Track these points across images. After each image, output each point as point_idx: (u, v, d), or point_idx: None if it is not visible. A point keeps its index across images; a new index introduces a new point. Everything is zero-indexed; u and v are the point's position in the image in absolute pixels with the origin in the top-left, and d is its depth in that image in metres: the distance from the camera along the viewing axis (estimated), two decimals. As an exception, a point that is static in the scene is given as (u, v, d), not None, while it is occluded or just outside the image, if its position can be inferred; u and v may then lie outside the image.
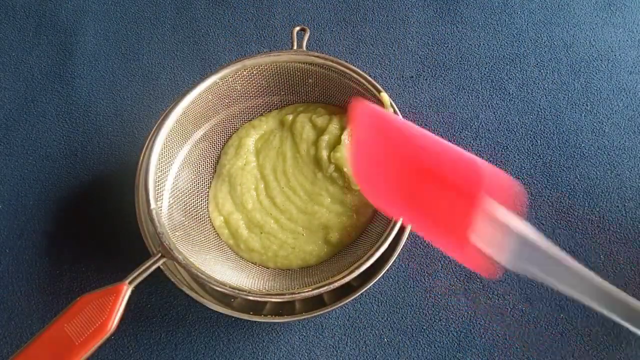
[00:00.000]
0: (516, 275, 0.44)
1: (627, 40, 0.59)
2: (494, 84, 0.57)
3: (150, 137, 0.44)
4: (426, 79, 0.58)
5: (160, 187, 0.42)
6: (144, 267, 0.37)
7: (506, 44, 0.59)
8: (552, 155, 0.54)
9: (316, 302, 0.42)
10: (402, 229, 0.40)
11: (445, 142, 0.22)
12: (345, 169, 0.43)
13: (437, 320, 0.47)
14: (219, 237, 0.45)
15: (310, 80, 0.47)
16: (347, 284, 0.38)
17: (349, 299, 0.41)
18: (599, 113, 0.56)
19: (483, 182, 0.18)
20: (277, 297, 0.38)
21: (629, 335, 0.45)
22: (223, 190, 0.46)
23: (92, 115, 0.56)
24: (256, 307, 0.43)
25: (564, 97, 0.57)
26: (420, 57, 0.59)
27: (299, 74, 0.47)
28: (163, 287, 0.44)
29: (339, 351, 0.46)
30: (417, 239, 0.50)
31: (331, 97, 0.48)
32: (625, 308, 0.17)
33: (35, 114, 0.56)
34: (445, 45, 0.59)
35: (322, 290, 0.38)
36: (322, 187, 0.45)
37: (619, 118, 0.55)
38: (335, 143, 0.44)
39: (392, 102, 0.43)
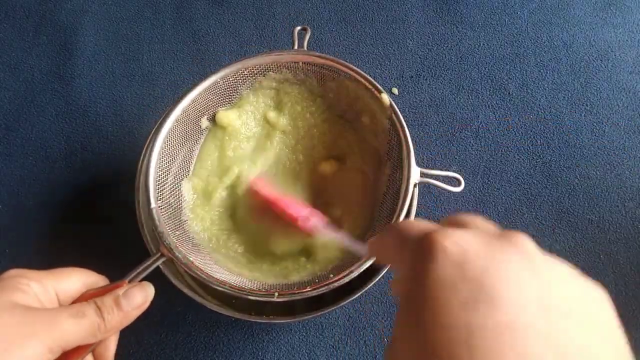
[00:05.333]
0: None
1: (627, 40, 0.59)
2: (494, 84, 0.57)
3: (150, 136, 0.44)
4: (426, 79, 0.58)
5: (161, 186, 0.42)
6: (143, 266, 0.37)
7: (506, 44, 0.59)
8: (552, 155, 0.54)
9: (316, 302, 0.42)
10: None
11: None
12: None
13: (437, 320, 0.47)
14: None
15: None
16: (347, 283, 0.38)
17: (349, 299, 0.41)
18: (599, 113, 0.56)
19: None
20: (278, 296, 0.38)
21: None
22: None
23: (92, 115, 0.56)
24: (256, 307, 0.43)
25: (564, 97, 0.57)
26: (420, 57, 0.59)
27: (300, 74, 0.47)
28: (163, 287, 0.44)
29: (339, 351, 0.46)
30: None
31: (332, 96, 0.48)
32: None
33: (35, 114, 0.56)
34: (445, 45, 0.59)
35: (322, 290, 0.38)
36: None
37: (619, 118, 0.55)
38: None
39: (392, 102, 0.43)
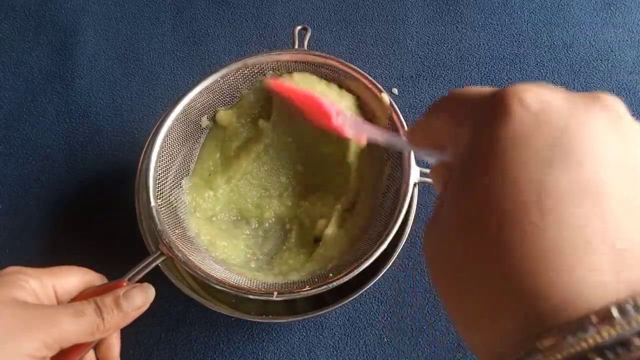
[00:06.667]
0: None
1: (627, 40, 0.59)
2: (494, 84, 0.57)
3: (151, 135, 0.44)
4: (426, 79, 0.58)
5: (161, 185, 0.42)
6: (143, 265, 0.37)
7: (506, 44, 0.59)
8: (552, 155, 0.54)
9: (316, 302, 0.42)
10: (402, 229, 0.40)
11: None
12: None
13: (437, 320, 0.47)
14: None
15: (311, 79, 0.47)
16: (347, 283, 0.38)
17: (349, 299, 0.41)
18: (599, 113, 0.56)
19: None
20: (277, 296, 0.38)
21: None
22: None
23: (92, 115, 0.56)
24: (256, 307, 0.43)
25: (564, 97, 0.57)
26: (420, 57, 0.59)
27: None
28: (163, 287, 0.44)
29: (339, 351, 0.46)
30: (417, 239, 0.50)
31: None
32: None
33: (35, 114, 0.56)
34: (445, 45, 0.59)
35: (321, 289, 0.38)
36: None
37: (619, 118, 0.55)
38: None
39: (392, 102, 0.43)
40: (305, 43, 0.46)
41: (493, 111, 0.17)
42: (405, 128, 0.42)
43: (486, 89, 0.19)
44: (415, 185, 0.40)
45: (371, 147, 0.47)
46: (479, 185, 0.16)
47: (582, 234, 0.14)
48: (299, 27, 0.47)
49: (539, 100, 0.16)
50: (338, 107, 0.39)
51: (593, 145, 0.15)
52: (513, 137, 0.16)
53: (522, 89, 0.17)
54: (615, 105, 0.17)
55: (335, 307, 0.41)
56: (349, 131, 0.38)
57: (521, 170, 0.15)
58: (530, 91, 0.16)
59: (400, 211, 0.39)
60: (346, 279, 0.38)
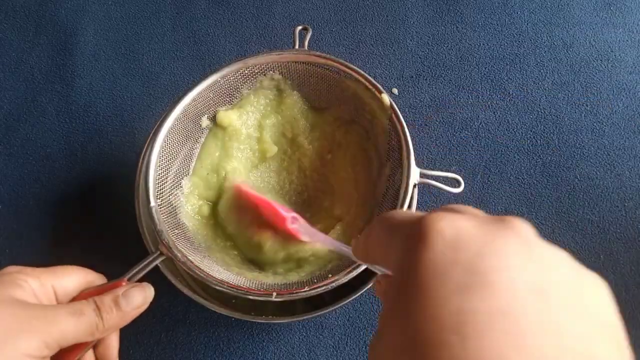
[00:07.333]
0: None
1: (627, 40, 0.59)
2: (494, 84, 0.57)
3: (151, 135, 0.44)
4: (426, 79, 0.58)
5: (160, 185, 0.42)
6: (142, 264, 0.37)
7: (506, 44, 0.59)
8: (552, 155, 0.54)
9: (316, 302, 0.42)
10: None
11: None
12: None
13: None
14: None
15: (311, 80, 0.47)
16: (347, 283, 0.38)
17: (349, 299, 0.41)
18: (599, 113, 0.56)
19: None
20: (277, 296, 0.38)
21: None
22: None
23: (92, 115, 0.56)
24: (256, 307, 0.43)
25: (564, 97, 0.57)
26: (420, 57, 0.59)
27: (300, 73, 0.47)
28: (163, 287, 0.44)
29: (339, 351, 0.46)
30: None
31: (332, 96, 0.48)
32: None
33: (35, 114, 0.56)
34: (445, 45, 0.59)
35: (321, 290, 0.38)
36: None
37: (619, 118, 0.55)
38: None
39: (392, 102, 0.43)
40: (306, 43, 0.46)
41: (415, 240, 0.18)
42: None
43: (413, 214, 0.21)
44: (415, 186, 0.40)
45: (368, 148, 0.47)
46: (405, 321, 0.17)
47: (502, 358, 0.15)
48: (299, 27, 0.46)
49: (454, 230, 0.18)
50: (293, 214, 0.42)
51: (507, 270, 0.16)
52: (433, 270, 0.17)
53: (439, 219, 0.18)
54: (523, 229, 0.18)
55: (335, 307, 0.41)
56: (303, 236, 0.41)
57: (441, 300, 0.16)
58: (446, 220, 0.18)
59: (400, 212, 0.39)
60: (346, 279, 0.38)
